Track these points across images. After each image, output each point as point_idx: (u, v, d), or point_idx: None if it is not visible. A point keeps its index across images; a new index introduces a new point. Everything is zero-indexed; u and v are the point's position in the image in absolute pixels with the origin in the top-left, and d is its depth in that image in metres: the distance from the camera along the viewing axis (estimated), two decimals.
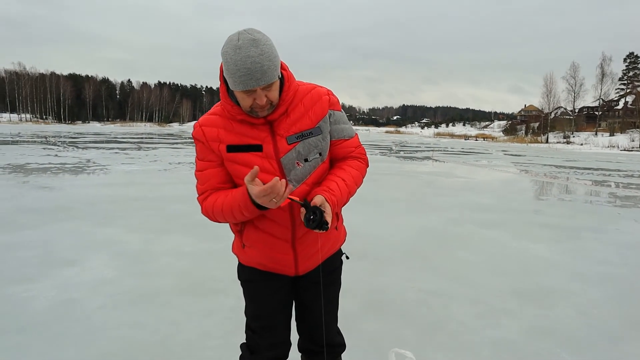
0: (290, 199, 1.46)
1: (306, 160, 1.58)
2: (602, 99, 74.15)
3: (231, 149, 1.54)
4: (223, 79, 1.50)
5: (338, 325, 1.94)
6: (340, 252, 1.85)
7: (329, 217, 1.45)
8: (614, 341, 2.94)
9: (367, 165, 1.79)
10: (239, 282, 1.82)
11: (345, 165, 1.69)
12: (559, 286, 3.96)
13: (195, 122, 1.65)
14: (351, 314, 3.19)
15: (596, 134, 68.43)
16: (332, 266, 1.80)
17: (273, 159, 1.54)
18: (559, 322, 3.20)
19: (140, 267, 4.07)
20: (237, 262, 1.83)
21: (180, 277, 3.84)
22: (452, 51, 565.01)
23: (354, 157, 1.73)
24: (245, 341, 1.84)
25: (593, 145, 57.05)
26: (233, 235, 1.77)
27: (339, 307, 1.92)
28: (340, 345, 1.90)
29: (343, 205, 1.65)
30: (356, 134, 1.75)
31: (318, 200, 1.48)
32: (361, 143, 1.78)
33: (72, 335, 2.76)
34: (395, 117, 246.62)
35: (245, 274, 1.78)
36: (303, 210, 1.46)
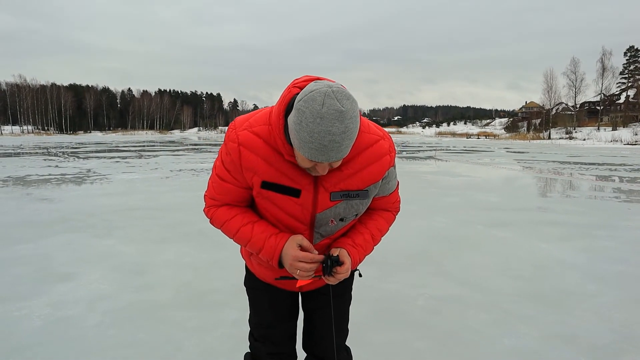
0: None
1: (342, 219, 1.44)
2: (603, 94, 73.86)
3: (266, 185, 1.35)
4: (284, 113, 1.25)
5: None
6: (354, 269, 1.71)
7: (341, 275, 1.39)
8: None
9: (398, 212, 1.67)
10: (245, 288, 1.74)
11: (377, 216, 1.57)
12: (575, 288, 3.78)
13: (231, 124, 1.38)
14: (359, 324, 3.02)
15: (598, 129, 68.13)
16: (343, 282, 1.66)
17: (308, 211, 1.38)
18: (580, 327, 3.02)
19: (139, 280, 3.91)
20: (245, 266, 1.73)
21: (180, 290, 3.68)
22: (447, 51, 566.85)
23: (389, 209, 1.61)
24: (249, 350, 1.77)
25: (596, 140, 56.79)
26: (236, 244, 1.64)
27: (348, 321, 1.79)
28: None
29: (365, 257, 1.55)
30: (397, 185, 1.58)
31: (337, 252, 1.42)
32: (399, 194, 1.63)
33: (67, 357, 2.60)
34: (396, 118, 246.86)
35: (251, 281, 1.70)
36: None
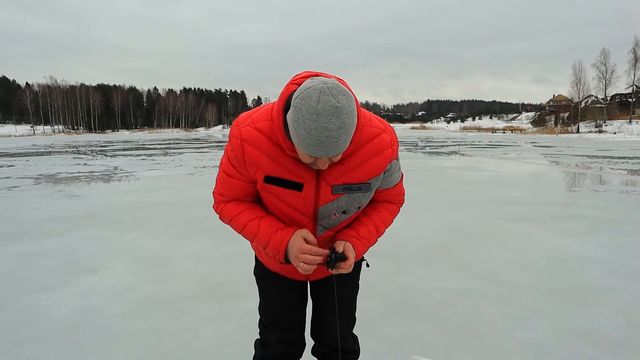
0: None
1: (344, 212, 1.48)
2: (635, 85, 71.45)
3: (269, 180, 1.39)
4: (283, 109, 1.29)
5: (357, 328, 1.88)
6: (361, 259, 1.74)
7: (344, 270, 1.44)
8: None
9: (402, 204, 1.69)
10: (255, 277, 1.80)
11: (381, 207, 1.60)
12: (595, 283, 3.74)
13: (235, 121, 1.43)
14: (373, 316, 3.08)
15: (630, 122, 65.96)
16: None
17: (310, 204, 1.43)
18: (597, 322, 3.00)
19: (160, 273, 4.05)
20: (254, 256, 1.79)
21: (199, 282, 3.80)
22: (470, 45, 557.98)
23: (393, 201, 1.64)
24: (258, 336, 1.83)
25: (627, 133, 55.02)
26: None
27: (356, 309, 1.82)
28: (352, 352, 1.81)
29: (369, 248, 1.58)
30: (401, 177, 1.60)
31: (342, 247, 1.45)
32: (403, 186, 1.65)
33: (91, 343, 2.73)
34: (420, 113, 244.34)
35: (260, 270, 1.75)
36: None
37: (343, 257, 1.42)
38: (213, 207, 1.59)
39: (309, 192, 1.40)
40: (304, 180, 1.38)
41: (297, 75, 1.33)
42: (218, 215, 1.57)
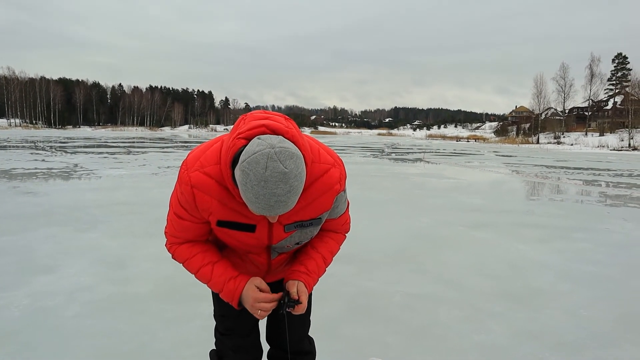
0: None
1: (297, 244, 1.52)
2: (591, 100, 74.76)
3: (221, 224, 1.39)
4: (230, 164, 1.25)
5: (317, 330, 1.88)
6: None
7: (298, 311, 1.48)
8: (605, 343, 2.87)
9: (348, 231, 1.71)
10: None
11: (327, 238, 1.62)
12: (547, 287, 3.89)
13: (183, 164, 1.38)
14: (334, 319, 3.10)
15: (586, 134, 68.96)
16: None
17: (264, 242, 1.45)
18: (548, 324, 3.12)
19: (119, 273, 3.95)
20: None
21: (160, 283, 3.73)
22: (435, 53, 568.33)
23: (339, 231, 1.66)
24: (214, 347, 1.79)
25: (583, 145, 57.49)
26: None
27: (310, 312, 1.82)
28: (307, 353, 1.81)
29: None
30: (347, 206, 1.61)
31: (294, 288, 1.48)
32: (349, 215, 1.66)
33: (44, 345, 2.64)
34: (387, 120, 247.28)
35: None
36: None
37: (297, 302, 1.46)
38: (166, 245, 1.57)
39: (261, 232, 1.42)
40: (256, 221, 1.39)
41: (243, 121, 1.29)
42: (171, 255, 1.56)
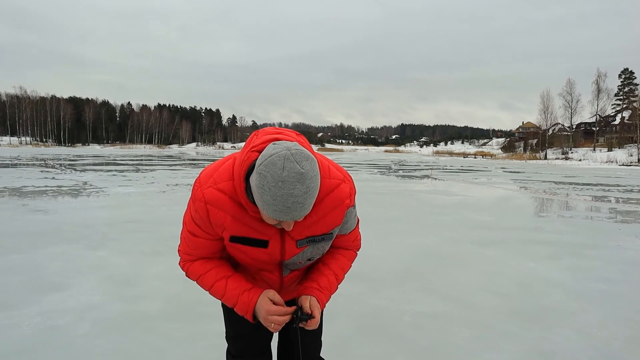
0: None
1: (309, 259, 1.53)
2: (599, 115, 74.55)
3: (235, 239, 1.42)
4: (245, 176, 1.29)
5: (328, 349, 1.87)
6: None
7: (311, 326, 1.47)
8: None
9: (359, 249, 1.73)
10: (221, 302, 1.75)
11: (339, 255, 1.63)
12: (559, 306, 3.85)
13: (197, 181, 1.42)
14: (344, 338, 3.09)
15: (594, 150, 68.61)
16: None
17: (276, 258, 1.47)
18: (560, 344, 3.08)
19: (128, 292, 3.96)
20: None
21: (168, 302, 3.73)
22: (437, 71, 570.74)
23: (349, 247, 1.67)
24: None
25: (591, 160, 57.17)
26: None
27: (322, 333, 1.82)
28: None
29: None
30: (357, 222, 1.63)
31: (307, 302, 1.48)
32: (359, 231, 1.68)
33: None
34: (394, 136, 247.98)
35: None
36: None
37: (310, 317, 1.46)
38: (179, 264, 1.59)
39: (274, 248, 1.43)
40: (268, 237, 1.41)
41: (255, 136, 1.34)
42: (185, 273, 1.58)
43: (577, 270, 5.02)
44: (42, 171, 19.56)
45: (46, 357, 2.74)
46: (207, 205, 1.37)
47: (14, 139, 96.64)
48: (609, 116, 77.00)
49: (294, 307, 1.47)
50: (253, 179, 1.22)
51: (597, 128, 76.27)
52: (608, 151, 64.43)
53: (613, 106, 78.06)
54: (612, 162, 53.88)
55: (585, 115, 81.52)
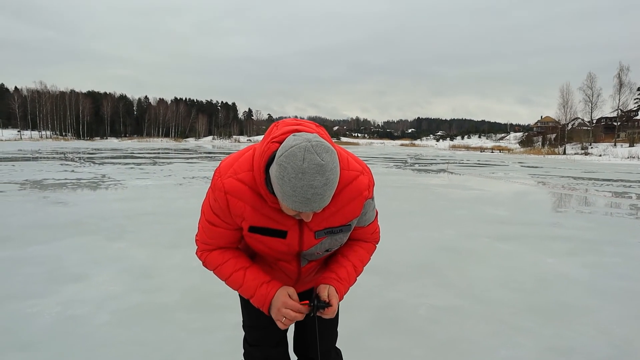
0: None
1: (327, 250, 1.53)
2: (620, 109, 72.95)
3: (253, 229, 1.42)
4: (265, 167, 1.29)
5: (343, 342, 1.88)
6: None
7: (328, 315, 1.46)
8: None
9: (378, 242, 1.72)
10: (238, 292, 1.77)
11: (357, 247, 1.63)
12: (577, 303, 3.79)
13: (217, 171, 1.42)
14: (360, 331, 3.09)
15: (615, 145, 67.18)
16: None
17: (295, 249, 1.47)
18: (578, 341, 3.04)
19: (146, 283, 4.02)
20: None
21: (186, 293, 3.78)
22: (454, 65, 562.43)
23: (368, 240, 1.67)
24: (242, 358, 1.80)
25: (612, 156, 56.01)
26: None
27: (338, 324, 1.83)
28: None
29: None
30: (376, 215, 1.63)
31: (326, 291, 1.48)
32: (378, 224, 1.68)
33: (75, 353, 2.70)
34: (410, 130, 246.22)
35: None
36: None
37: (327, 305, 1.46)
38: (196, 253, 1.59)
39: (293, 239, 1.44)
40: (287, 227, 1.41)
41: (275, 127, 1.34)
42: (202, 262, 1.58)
43: (596, 266, 4.95)
44: (61, 164, 19.92)
45: (66, 345, 2.80)
46: (227, 195, 1.37)
47: (35, 133, 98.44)
48: (631, 111, 75.30)
49: (308, 308, 1.46)
50: (273, 170, 1.22)
51: (619, 123, 74.64)
52: (630, 147, 62.99)
53: (635, 100, 76.41)
54: (634, 157, 52.70)
55: (606, 109, 79.98)
